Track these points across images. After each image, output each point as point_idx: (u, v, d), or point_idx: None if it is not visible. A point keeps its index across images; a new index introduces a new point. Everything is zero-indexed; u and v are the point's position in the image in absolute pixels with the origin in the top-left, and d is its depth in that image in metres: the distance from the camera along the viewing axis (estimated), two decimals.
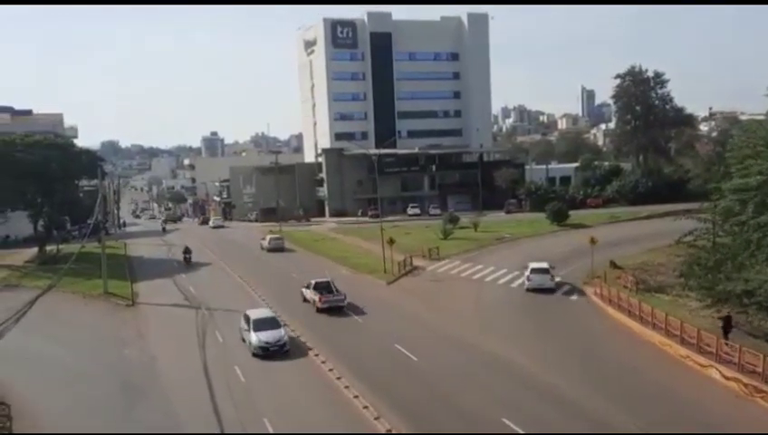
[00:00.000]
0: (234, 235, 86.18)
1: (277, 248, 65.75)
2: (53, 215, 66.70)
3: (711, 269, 32.00)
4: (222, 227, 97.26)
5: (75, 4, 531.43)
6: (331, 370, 28.35)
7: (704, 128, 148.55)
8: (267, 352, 30.48)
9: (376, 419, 23.06)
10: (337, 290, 41.03)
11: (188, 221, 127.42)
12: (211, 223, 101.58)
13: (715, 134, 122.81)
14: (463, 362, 28.92)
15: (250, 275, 52.18)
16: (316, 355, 30.48)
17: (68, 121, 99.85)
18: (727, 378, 25.00)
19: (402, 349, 30.57)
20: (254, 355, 30.54)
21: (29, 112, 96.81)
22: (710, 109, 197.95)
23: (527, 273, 42.42)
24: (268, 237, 68.44)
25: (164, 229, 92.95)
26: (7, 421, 24.41)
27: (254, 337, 30.89)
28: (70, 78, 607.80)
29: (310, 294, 41.44)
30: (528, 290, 41.43)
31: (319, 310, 39.70)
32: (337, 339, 33.13)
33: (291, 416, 23.95)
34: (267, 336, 30.87)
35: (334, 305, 39.95)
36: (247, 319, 32.50)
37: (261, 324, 31.65)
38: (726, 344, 26.67)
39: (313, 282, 41.94)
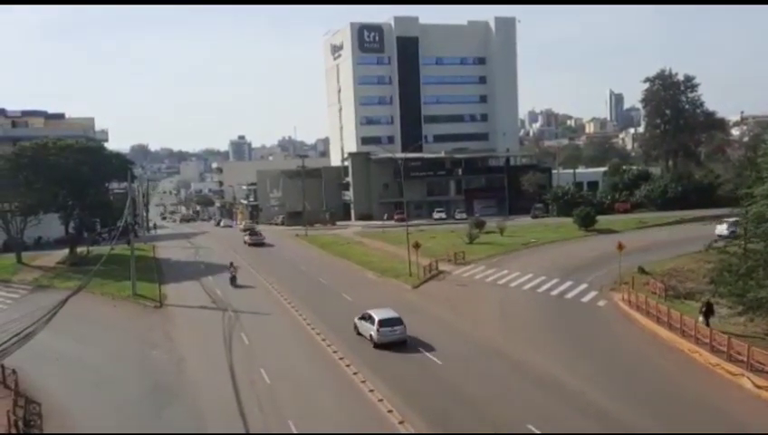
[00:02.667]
0: (234, 230, 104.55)
1: (249, 228, 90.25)
2: (84, 217, 67.96)
3: (742, 276, 31.38)
4: (230, 226, 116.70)
5: (104, 4, 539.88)
6: (355, 372, 28.45)
7: (735, 132, 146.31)
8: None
9: (400, 422, 23.06)
10: (260, 234, 78.05)
11: (203, 223, 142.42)
12: (222, 224, 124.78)
13: (746, 139, 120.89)
14: (488, 367, 28.78)
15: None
16: (345, 363, 30.57)
17: (99, 125, 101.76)
18: (759, 387, 24.52)
19: (427, 353, 30.55)
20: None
21: (62, 116, 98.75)
22: (742, 113, 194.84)
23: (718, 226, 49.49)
24: (244, 223, 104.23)
25: (233, 279, 50.42)
26: (38, 419, 24.87)
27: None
28: (101, 83, 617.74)
29: (246, 238, 76.80)
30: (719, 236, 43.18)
31: (249, 245, 74.11)
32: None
33: (316, 418, 24.03)
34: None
35: (258, 242, 74.57)
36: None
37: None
38: (711, 331, 28.74)
39: (248, 230, 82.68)
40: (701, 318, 31.55)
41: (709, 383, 26.24)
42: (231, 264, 52.44)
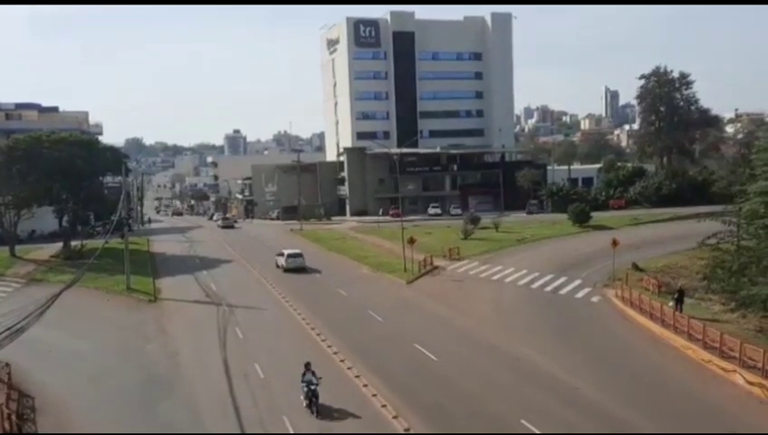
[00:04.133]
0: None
1: (224, 217, 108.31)
2: (78, 211, 67.64)
3: (735, 273, 31.59)
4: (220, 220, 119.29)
5: (99, 4, 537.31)
6: (342, 360, 28.53)
7: (729, 129, 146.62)
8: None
9: (394, 417, 23.08)
10: (230, 219, 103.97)
11: (199, 218, 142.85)
12: (214, 218, 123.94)
13: (740, 136, 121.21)
14: (483, 363, 28.85)
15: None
16: (334, 352, 30.57)
17: (93, 119, 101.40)
18: (751, 383, 24.66)
19: (422, 348, 30.56)
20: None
21: (55, 110, 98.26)
22: (736, 110, 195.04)
23: None
24: (228, 215, 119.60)
25: (313, 400, 24.20)
26: (32, 414, 24.81)
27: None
28: (96, 76, 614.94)
29: (219, 221, 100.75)
30: None
31: (222, 227, 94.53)
32: (353, 331, 33.23)
33: (310, 414, 23.95)
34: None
35: (229, 225, 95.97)
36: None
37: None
38: (681, 316, 30.93)
39: (221, 215, 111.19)
40: (671, 303, 33.70)
41: (702, 379, 26.38)
42: (307, 366, 25.67)
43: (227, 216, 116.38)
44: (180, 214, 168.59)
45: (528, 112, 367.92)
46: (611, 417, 22.74)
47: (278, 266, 53.59)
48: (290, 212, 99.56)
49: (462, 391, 25.44)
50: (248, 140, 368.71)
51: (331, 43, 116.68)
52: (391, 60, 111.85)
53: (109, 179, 76.38)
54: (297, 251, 54.85)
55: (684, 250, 49.21)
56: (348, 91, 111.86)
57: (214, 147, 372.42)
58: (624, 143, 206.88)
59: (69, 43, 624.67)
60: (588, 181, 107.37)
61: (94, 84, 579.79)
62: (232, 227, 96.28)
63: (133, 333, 36.87)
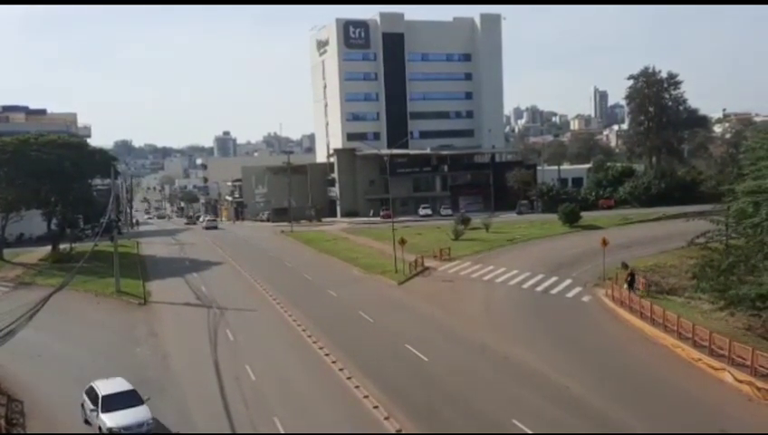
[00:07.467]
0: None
1: (189, 217, 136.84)
2: (67, 213, 67.20)
3: (724, 272, 31.70)
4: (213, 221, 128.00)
5: (90, 4, 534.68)
6: (334, 362, 28.49)
7: (717, 129, 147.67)
8: None
9: (386, 418, 23.08)
10: (194, 218, 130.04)
11: (180, 220, 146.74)
12: (203, 221, 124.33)
13: (728, 136, 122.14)
14: (474, 363, 28.87)
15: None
16: (326, 353, 30.56)
17: (82, 121, 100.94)
18: (740, 381, 24.81)
19: (413, 349, 30.57)
20: None
21: (43, 112, 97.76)
22: (724, 110, 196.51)
23: None
24: (186, 216, 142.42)
25: None
26: (21, 418, 24.63)
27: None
28: (84, 78, 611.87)
29: (185, 220, 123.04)
30: None
31: (185, 224, 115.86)
32: (344, 333, 33.20)
33: (301, 415, 23.99)
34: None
35: (191, 222, 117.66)
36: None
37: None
38: (635, 295, 35.07)
39: (189, 217, 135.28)
40: (625, 286, 37.14)
41: (692, 378, 26.52)
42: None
43: (190, 214, 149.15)
44: (163, 217, 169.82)
45: (518, 113, 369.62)
46: (602, 416, 22.81)
47: (202, 228, 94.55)
48: (280, 214, 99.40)
49: (453, 392, 25.46)
50: (238, 141, 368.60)
51: (321, 45, 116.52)
52: (381, 61, 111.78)
53: (97, 182, 75.82)
54: (213, 217, 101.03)
55: (673, 249, 49.49)
56: (338, 93, 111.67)
57: (203, 149, 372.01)
58: (613, 143, 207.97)
59: (57, 45, 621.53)
60: (577, 181, 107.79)
61: (83, 86, 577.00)
62: (194, 223, 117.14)
63: (123, 336, 36.63)
